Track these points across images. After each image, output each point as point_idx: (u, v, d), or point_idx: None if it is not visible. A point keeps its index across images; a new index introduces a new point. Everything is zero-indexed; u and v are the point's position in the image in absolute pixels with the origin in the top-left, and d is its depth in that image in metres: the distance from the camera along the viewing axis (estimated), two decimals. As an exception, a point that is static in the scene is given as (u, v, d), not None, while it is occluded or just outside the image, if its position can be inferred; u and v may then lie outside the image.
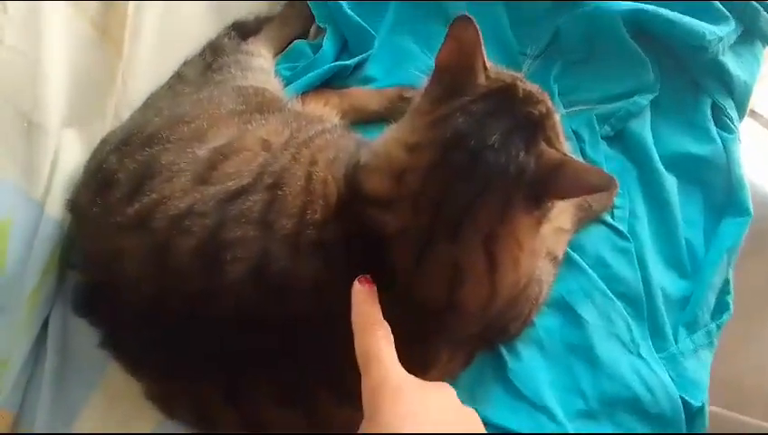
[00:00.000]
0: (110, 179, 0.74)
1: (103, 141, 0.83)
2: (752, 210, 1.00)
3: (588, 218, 0.95)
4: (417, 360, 0.66)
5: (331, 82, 1.03)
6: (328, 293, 0.65)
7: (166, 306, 0.68)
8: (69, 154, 0.82)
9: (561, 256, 0.89)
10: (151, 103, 0.90)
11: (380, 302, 0.61)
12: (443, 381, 0.76)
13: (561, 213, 0.91)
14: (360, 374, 0.59)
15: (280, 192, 0.69)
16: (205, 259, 0.67)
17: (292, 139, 0.77)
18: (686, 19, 1.02)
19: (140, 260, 0.68)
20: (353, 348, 0.61)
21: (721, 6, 1.05)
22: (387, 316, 0.61)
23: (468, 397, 0.83)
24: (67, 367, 0.78)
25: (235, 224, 0.67)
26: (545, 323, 0.88)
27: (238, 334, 0.67)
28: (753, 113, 1.58)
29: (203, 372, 0.70)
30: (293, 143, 0.76)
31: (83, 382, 0.78)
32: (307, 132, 0.79)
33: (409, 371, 0.61)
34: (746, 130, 1.52)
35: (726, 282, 0.98)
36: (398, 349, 0.61)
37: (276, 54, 1.05)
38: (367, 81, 1.04)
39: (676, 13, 1.02)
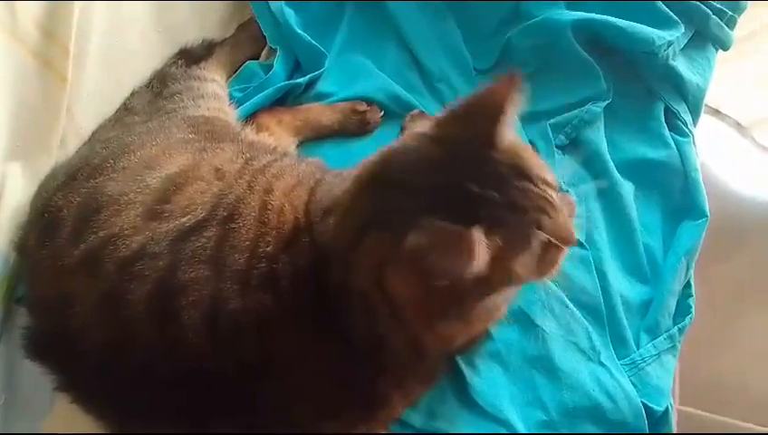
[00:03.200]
0: (56, 218, 0.72)
1: (50, 176, 0.82)
2: (708, 212, 1.00)
3: None
4: (359, 402, 0.68)
5: (284, 101, 1.04)
6: (276, 337, 0.64)
7: (120, 356, 0.66)
8: (14, 188, 0.81)
9: None
10: (98, 136, 0.88)
11: (322, 343, 0.61)
12: (402, 412, 0.77)
13: None
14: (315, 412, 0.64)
15: (234, 225, 0.68)
16: (158, 307, 0.65)
17: (247, 166, 0.77)
18: (635, 26, 1.03)
19: (91, 307, 0.67)
20: (303, 398, 0.64)
21: (669, 11, 1.06)
22: (328, 358, 0.62)
23: (429, 415, 0.82)
24: (13, 405, 0.77)
25: (188, 265, 0.65)
26: (504, 336, 0.87)
27: (198, 382, 0.65)
28: (719, 114, 1.60)
29: (165, 416, 0.68)
30: (249, 170, 0.75)
31: (30, 420, 0.76)
32: (262, 160, 0.79)
33: (349, 413, 0.64)
34: (713, 130, 1.55)
35: (688, 285, 0.98)
36: (335, 392, 0.63)
37: (229, 77, 1.05)
38: (320, 97, 1.04)
39: (623, 20, 1.03)
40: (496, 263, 0.57)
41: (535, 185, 0.61)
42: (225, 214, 0.69)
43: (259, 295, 0.64)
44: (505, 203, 0.58)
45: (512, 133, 0.64)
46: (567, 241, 0.62)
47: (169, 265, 0.66)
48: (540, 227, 0.60)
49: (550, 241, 0.61)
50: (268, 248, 0.66)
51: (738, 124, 1.59)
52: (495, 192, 0.58)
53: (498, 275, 0.59)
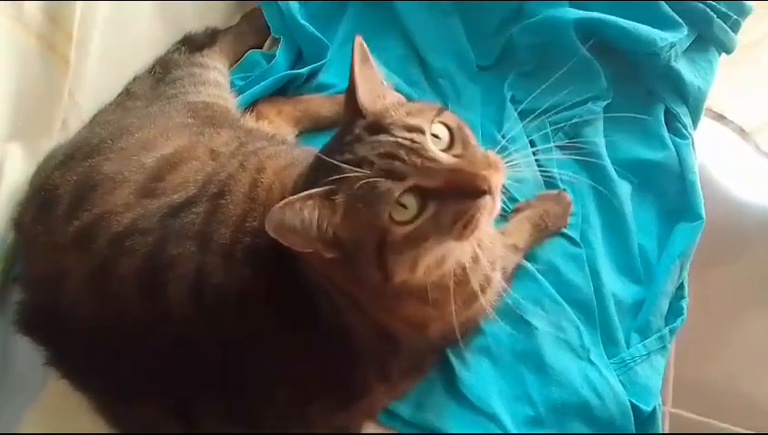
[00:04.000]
0: (53, 196, 0.74)
1: (49, 156, 0.83)
2: (704, 215, 1.00)
3: (543, 238, 0.95)
4: (338, 388, 0.69)
5: (285, 91, 1.04)
6: (257, 312, 0.66)
7: (108, 331, 0.67)
8: (13, 168, 0.82)
9: (510, 270, 0.89)
10: (99, 119, 0.90)
11: (298, 323, 0.62)
12: (388, 403, 0.77)
13: (517, 231, 0.92)
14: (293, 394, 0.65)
15: (222, 201, 0.69)
16: (147, 281, 0.66)
17: (241, 147, 0.78)
18: (638, 26, 1.03)
19: (82, 282, 0.68)
20: (284, 378, 0.65)
21: (673, 13, 1.06)
22: (305, 340, 0.63)
23: (417, 407, 0.83)
24: (6, 381, 0.78)
25: (176, 240, 0.67)
26: (495, 331, 0.88)
27: (182, 358, 0.67)
28: (724, 119, 1.59)
29: (150, 392, 0.70)
30: (242, 151, 0.77)
31: (23, 396, 0.77)
32: (256, 144, 0.80)
33: (328, 398, 0.66)
34: (716, 135, 1.54)
35: (681, 287, 0.98)
36: (313, 375, 0.64)
37: (231, 65, 1.06)
38: (321, 88, 1.05)
39: (627, 20, 1.03)
40: (356, 222, 0.57)
41: (390, 134, 0.58)
42: (216, 190, 0.70)
43: (242, 269, 0.65)
44: (354, 161, 0.57)
45: (390, 95, 0.64)
46: (456, 185, 0.56)
47: (158, 240, 0.67)
48: (396, 175, 0.56)
49: (445, 192, 0.56)
50: (254, 223, 0.67)
51: (741, 130, 1.58)
52: (349, 154, 0.58)
53: (372, 234, 0.57)
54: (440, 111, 0.62)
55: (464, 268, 0.64)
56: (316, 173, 0.60)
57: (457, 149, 0.60)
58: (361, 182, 0.55)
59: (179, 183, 0.71)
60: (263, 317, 0.66)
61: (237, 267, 0.66)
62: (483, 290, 0.73)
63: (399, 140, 0.57)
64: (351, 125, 0.61)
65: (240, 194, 0.70)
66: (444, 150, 0.59)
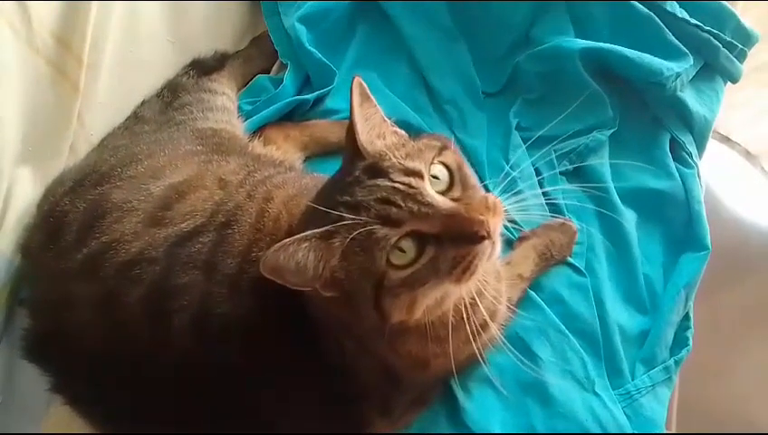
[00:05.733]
0: (62, 222, 0.74)
1: (57, 180, 0.84)
2: (710, 246, 1.00)
3: (548, 267, 0.95)
4: (340, 422, 0.69)
5: (292, 116, 1.05)
6: (260, 343, 0.66)
7: (113, 359, 0.68)
8: (22, 191, 0.82)
9: (515, 299, 0.89)
10: (108, 144, 0.90)
11: (302, 355, 0.63)
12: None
13: (522, 260, 0.92)
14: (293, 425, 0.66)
15: (229, 231, 0.69)
16: (152, 310, 0.67)
17: (249, 177, 0.78)
18: (643, 56, 1.03)
19: (88, 310, 0.69)
20: (286, 410, 0.65)
21: (679, 43, 1.06)
22: (309, 371, 0.64)
23: (419, 435, 0.83)
24: (10, 405, 0.78)
25: (182, 269, 0.67)
26: (499, 361, 0.87)
27: (186, 387, 0.67)
28: (730, 141, 1.59)
29: (153, 420, 0.70)
30: (250, 181, 0.77)
31: (26, 420, 0.77)
32: (264, 172, 0.80)
33: (328, 430, 0.67)
34: (722, 157, 1.54)
35: (687, 317, 0.98)
36: (316, 408, 0.65)
37: (239, 90, 1.07)
38: (328, 113, 1.06)
39: (633, 50, 1.03)
40: (353, 265, 0.57)
41: (388, 178, 0.58)
42: (223, 220, 0.70)
43: (246, 300, 0.66)
44: (352, 204, 0.57)
45: (390, 135, 0.64)
46: (453, 230, 0.56)
47: (165, 269, 0.67)
48: (392, 222, 0.56)
49: (443, 237, 0.57)
50: (260, 253, 0.66)
51: (747, 152, 1.58)
52: (348, 196, 0.58)
53: (369, 278, 0.57)
54: (441, 151, 0.62)
55: (467, 304, 0.64)
56: (316, 212, 0.60)
57: (456, 192, 0.60)
58: (359, 230, 0.56)
59: (187, 212, 0.72)
60: (266, 348, 0.66)
61: (242, 298, 0.66)
62: (488, 322, 0.73)
63: (397, 185, 0.57)
64: (352, 166, 0.61)
65: (247, 224, 0.70)
66: (443, 192, 0.59)
